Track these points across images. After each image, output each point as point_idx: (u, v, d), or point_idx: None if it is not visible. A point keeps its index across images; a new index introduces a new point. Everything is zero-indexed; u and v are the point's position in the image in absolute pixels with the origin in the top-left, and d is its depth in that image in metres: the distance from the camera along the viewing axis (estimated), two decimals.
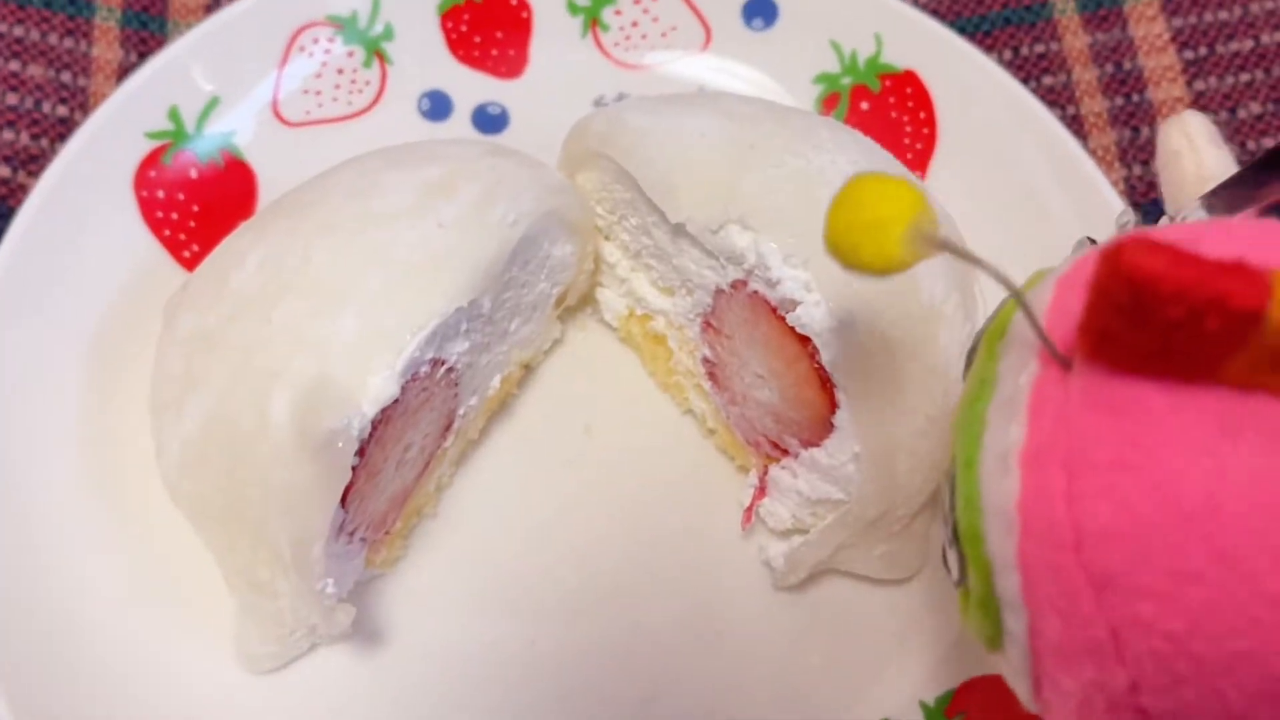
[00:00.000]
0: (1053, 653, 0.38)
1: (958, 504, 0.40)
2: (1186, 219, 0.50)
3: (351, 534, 0.57)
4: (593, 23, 0.75)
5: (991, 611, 0.40)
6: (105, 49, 0.75)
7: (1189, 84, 0.76)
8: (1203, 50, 0.77)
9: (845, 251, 0.39)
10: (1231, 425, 0.34)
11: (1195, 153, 0.52)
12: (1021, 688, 0.41)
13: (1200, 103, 0.75)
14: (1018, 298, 0.38)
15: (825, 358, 0.55)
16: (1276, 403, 0.34)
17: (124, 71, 0.75)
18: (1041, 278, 0.41)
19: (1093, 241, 0.58)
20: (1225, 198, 0.50)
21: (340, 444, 0.52)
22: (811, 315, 0.54)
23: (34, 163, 0.71)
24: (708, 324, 0.62)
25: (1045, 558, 0.36)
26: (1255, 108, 0.75)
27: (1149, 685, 0.35)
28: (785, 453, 0.61)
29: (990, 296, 0.61)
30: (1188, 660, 0.34)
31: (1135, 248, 0.31)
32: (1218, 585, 0.34)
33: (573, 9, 0.75)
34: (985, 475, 0.39)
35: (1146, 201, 0.73)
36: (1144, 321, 0.33)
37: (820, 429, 0.58)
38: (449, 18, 0.75)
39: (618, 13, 0.75)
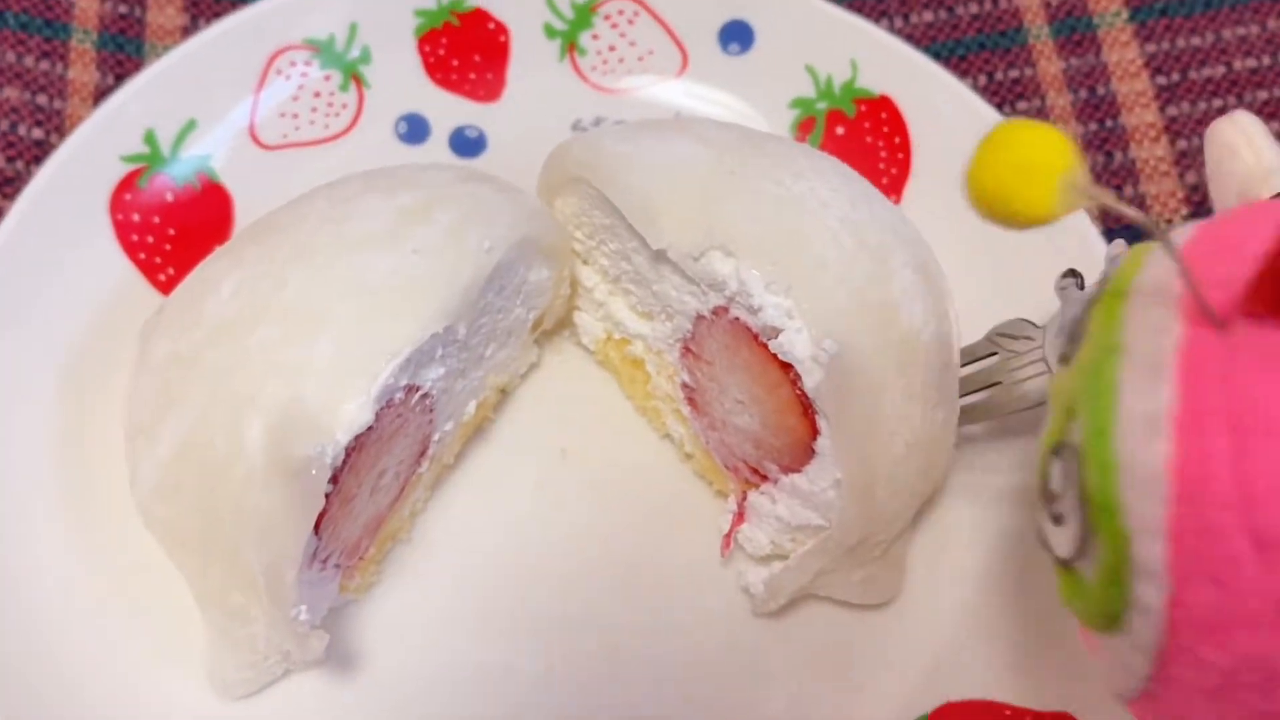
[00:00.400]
0: (1199, 625, 0.37)
1: (1087, 474, 0.39)
2: None
3: (325, 561, 0.57)
4: (570, 47, 0.76)
5: (1120, 585, 0.38)
6: (81, 71, 0.75)
7: (1161, 109, 0.77)
8: (1175, 76, 0.78)
9: (993, 198, 0.39)
10: None
11: (1253, 147, 0.52)
12: (1138, 668, 0.40)
13: (1173, 128, 0.76)
14: (1169, 250, 0.37)
15: (807, 384, 0.55)
16: None
17: (100, 94, 0.75)
18: (1146, 251, 0.41)
19: (1074, 274, 0.59)
20: None
21: (314, 471, 0.52)
22: (793, 342, 0.54)
23: (9, 185, 0.71)
24: (687, 349, 0.62)
25: (1203, 522, 0.36)
26: None
27: None
28: (765, 478, 0.61)
29: (966, 321, 0.62)
30: None
31: None
32: None
33: (550, 33, 0.76)
34: (1126, 441, 0.37)
35: (1119, 227, 0.73)
36: None
37: (801, 455, 0.58)
38: (426, 41, 0.75)
39: (595, 37, 0.76)
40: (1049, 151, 0.38)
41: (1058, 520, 0.41)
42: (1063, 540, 0.41)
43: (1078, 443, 0.40)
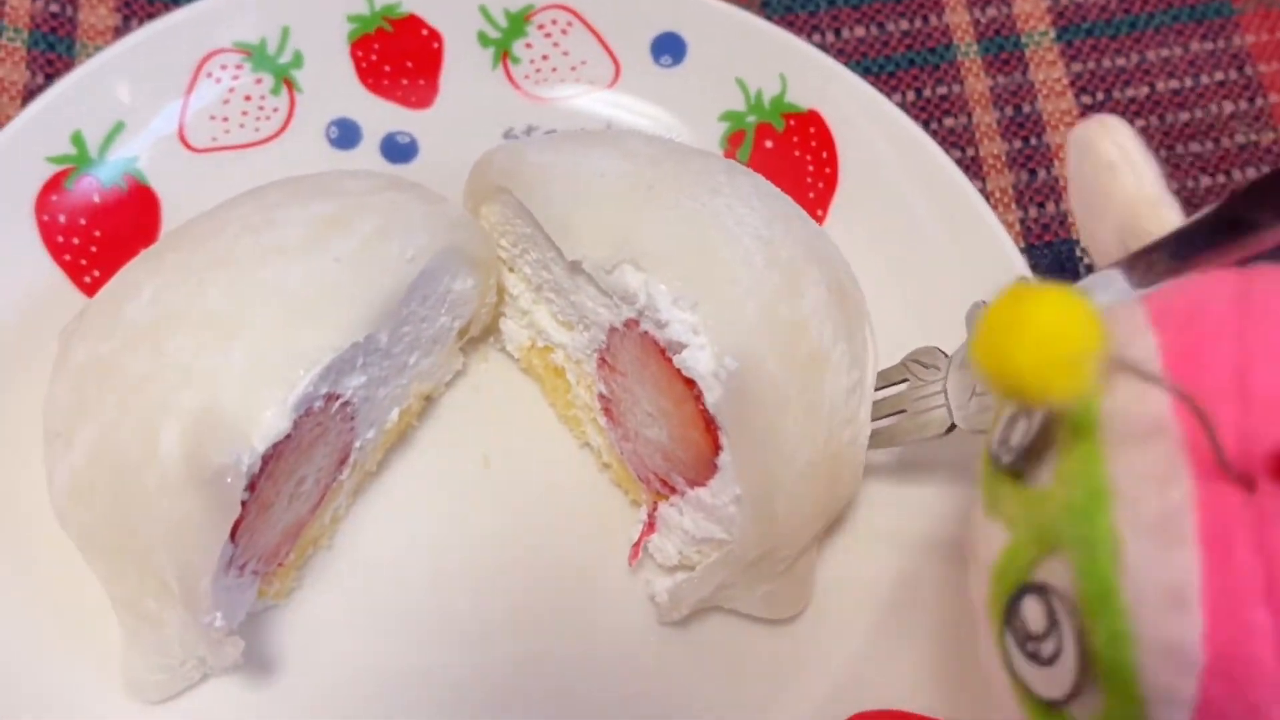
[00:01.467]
0: None
1: (1093, 636, 0.36)
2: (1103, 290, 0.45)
3: (242, 567, 0.57)
4: (504, 55, 0.76)
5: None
6: (11, 70, 0.75)
7: None
8: (1100, 95, 0.79)
9: (1029, 386, 0.34)
10: None
11: (1134, 170, 0.46)
12: None
13: None
14: (1196, 411, 0.34)
15: (709, 400, 0.55)
16: None
17: (30, 93, 0.75)
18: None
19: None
20: (1168, 255, 0.44)
21: (230, 479, 0.52)
22: (696, 359, 0.55)
23: None
24: (603, 360, 0.63)
25: (1245, 702, 0.34)
26: None
27: None
28: (674, 490, 0.62)
29: (885, 341, 0.63)
30: None
31: None
32: None
33: (484, 41, 0.76)
34: (1143, 610, 0.35)
35: (1041, 243, 0.75)
36: None
37: (705, 469, 0.59)
38: (359, 46, 0.75)
39: (528, 45, 0.76)
40: (1087, 332, 0.34)
41: (1040, 660, 0.39)
42: (1052, 684, 0.38)
43: (1067, 591, 0.37)
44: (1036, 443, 0.40)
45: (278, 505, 0.58)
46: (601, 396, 0.64)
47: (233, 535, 0.54)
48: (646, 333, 0.58)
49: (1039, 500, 0.39)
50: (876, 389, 0.62)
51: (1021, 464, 0.41)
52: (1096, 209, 0.47)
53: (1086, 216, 0.48)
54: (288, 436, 0.54)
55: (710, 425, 0.57)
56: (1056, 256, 0.74)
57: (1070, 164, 0.49)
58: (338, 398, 0.58)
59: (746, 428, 0.55)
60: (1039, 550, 0.39)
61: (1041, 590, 0.38)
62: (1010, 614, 0.40)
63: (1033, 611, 0.39)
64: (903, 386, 0.63)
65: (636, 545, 0.64)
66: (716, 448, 0.57)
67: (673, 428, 0.59)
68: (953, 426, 0.60)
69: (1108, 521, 0.35)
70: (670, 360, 0.57)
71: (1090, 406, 0.37)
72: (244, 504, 0.53)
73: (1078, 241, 0.74)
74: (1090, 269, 0.56)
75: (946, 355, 0.62)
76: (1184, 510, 0.34)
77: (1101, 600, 0.36)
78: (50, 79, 0.75)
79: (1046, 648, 0.38)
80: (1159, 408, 0.35)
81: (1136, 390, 0.36)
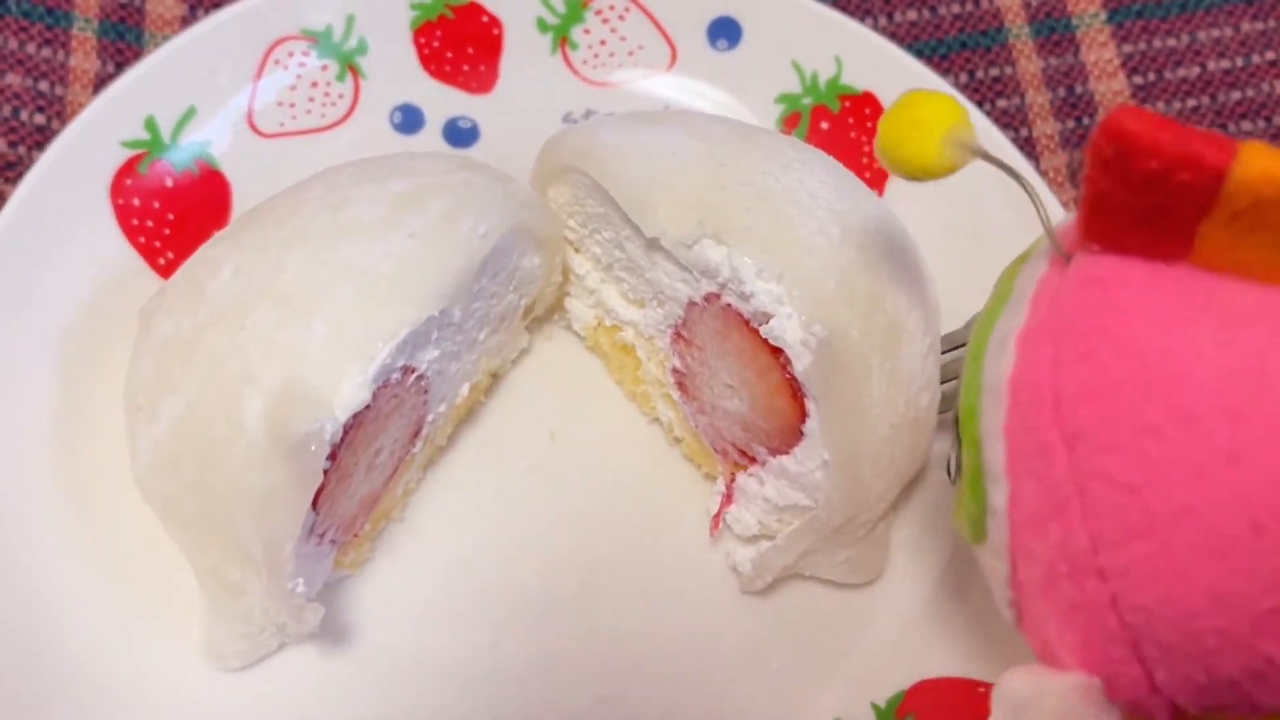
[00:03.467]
0: (1027, 521, 0.40)
1: (961, 392, 0.44)
2: None
3: (322, 535, 0.59)
4: (562, 40, 0.77)
5: (979, 492, 0.42)
6: (83, 59, 0.77)
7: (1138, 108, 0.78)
8: (1151, 76, 0.80)
9: (889, 151, 0.43)
10: (1201, 299, 0.38)
11: None
12: (1001, 574, 0.43)
13: None
14: (1031, 195, 0.43)
15: (797, 368, 0.56)
16: (1241, 284, 0.38)
17: (101, 81, 0.76)
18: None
19: None
20: None
21: (314, 447, 0.53)
22: (784, 327, 0.56)
23: (11, 169, 0.73)
24: (679, 335, 0.64)
25: (1027, 422, 0.40)
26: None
27: (1106, 540, 0.38)
28: (753, 460, 0.63)
29: (945, 309, 0.63)
30: (1141, 513, 0.37)
31: (1121, 112, 0.35)
32: (1174, 440, 0.36)
33: (542, 27, 0.77)
34: (987, 359, 0.42)
35: None
36: (1126, 175, 0.36)
37: (789, 437, 0.60)
38: (421, 33, 0.76)
39: (586, 31, 0.77)
40: (938, 110, 0.43)
41: (954, 443, 0.46)
42: (952, 458, 0.46)
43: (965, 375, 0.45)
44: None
45: (356, 475, 0.59)
46: (675, 371, 0.65)
47: (314, 503, 0.56)
48: (729, 305, 0.59)
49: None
50: (943, 352, 0.64)
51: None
52: None
53: None
54: (367, 407, 0.55)
55: (797, 393, 0.58)
56: None
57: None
58: (413, 371, 0.60)
59: (834, 394, 0.57)
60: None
61: None
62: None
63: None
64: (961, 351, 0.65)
65: (717, 516, 0.65)
66: (803, 415, 0.58)
67: (756, 398, 0.61)
68: None
69: (997, 310, 0.44)
70: (755, 331, 0.58)
71: (1024, 255, 0.45)
72: (326, 473, 0.55)
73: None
74: None
75: None
76: (1030, 284, 0.42)
77: (972, 362, 0.44)
78: (120, 67, 0.76)
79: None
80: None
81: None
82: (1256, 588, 0.36)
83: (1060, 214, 0.68)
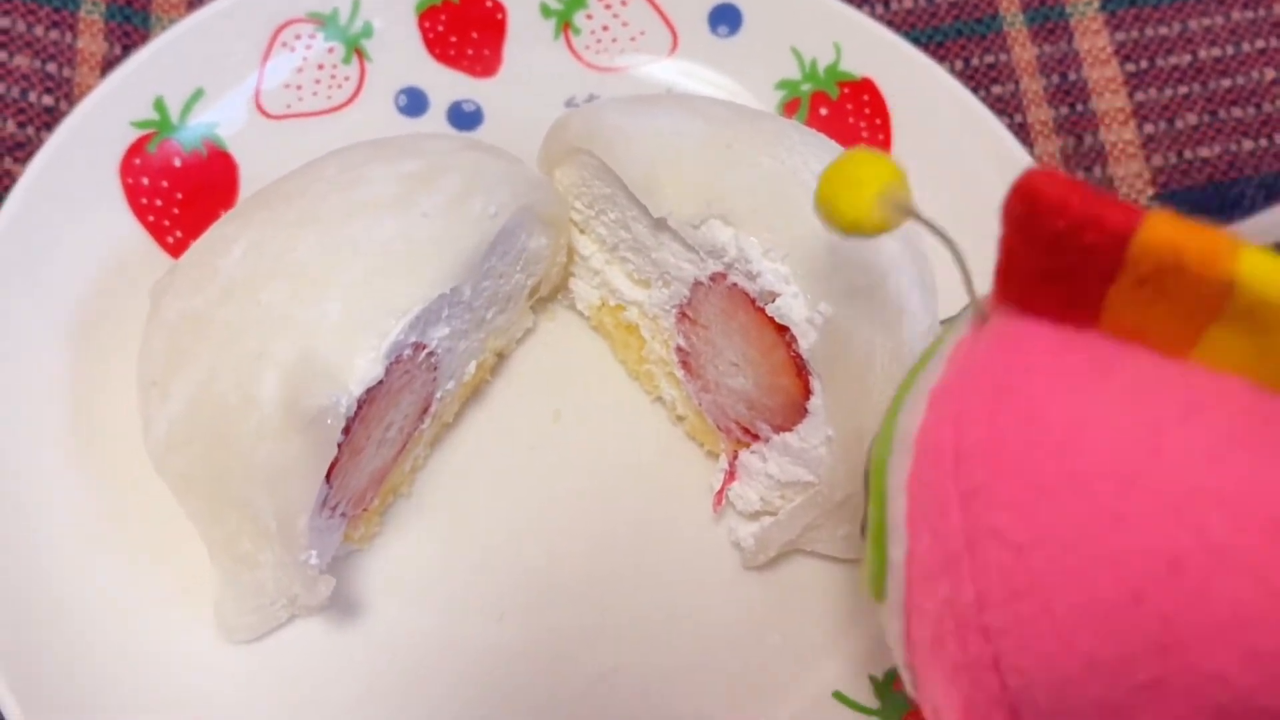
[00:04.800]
0: (921, 577, 0.41)
1: (874, 446, 0.45)
2: None
3: (334, 509, 0.60)
4: (565, 26, 0.78)
5: (881, 547, 0.43)
6: (90, 41, 0.77)
7: (1130, 95, 0.80)
8: (1144, 63, 0.81)
9: (825, 205, 0.44)
10: (1104, 366, 0.38)
11: None
12: (897, 633, 0.44)
13: (1140, 113, 0.79)
14: (955, 253, 0.42)
15: (803, 346, 0.58)
16: (1146, 353, 0.38)
17: (108, 64, 0.77)
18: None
19: None
20: None
21: (329, 421, 0.54)
22: (790, 306, 0.57)
23: (20, 150, 0.73)
24: (684, 314, 0.65)
25: (928, 476, 0.40)
26: (1192, 119, 0.79)
27: (992, 598, 0.38)
28: (756, 438, 0.64)
29: (943, 293, 0.65)
30: (1026, 573, 0.37)
31: (1035, 174, 0.36)
32: (1062, 502, 0.37)
33: (545, 12, 0.78)
34: (901, 414, 0.43)
35: None
36: (1035, 233, 0.37)
37: (794, 414, 0.61)
38: (426, 17, 0.77)
39: (589, 17, 0.78)
40: (872, 170, 0.44)
41: (865, 502, 0.46)
42: (861, 511, 0.46)
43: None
44: None
45: (367, 450, 0.60)
46: (680, 350, 0.66)
47: (328, 476, 0.57)
48: (735, 285, 0.60)
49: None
50: None
51: None
52: None
53: None
54: (380, 382, 0.56)
55: (801, 371, 0.59)
56: None
57: None
58: (424, 347, 0.61)
59: (839, 371, 0.58)
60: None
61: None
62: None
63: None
64: None
65: (720, 492, 0.67)
66: (807, 392, 0.60)
67: (760, 376, 0.62)
68: None
69: (919, 369, 0.45)
70: (760, 310, 0.59)
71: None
72: (339, 446, 0.56)
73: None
74: None
75: None
76: (950, 344, 0.43)
77: (889, 417, 0.44)
78: (127, 50, 0.77)
79: None
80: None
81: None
82: (1133, 658, 0.36)
83: None
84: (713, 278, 0.61)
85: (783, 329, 0.58)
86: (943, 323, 0.47)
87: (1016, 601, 0.37)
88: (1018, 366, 0.39)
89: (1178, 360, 0.38)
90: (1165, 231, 0.35)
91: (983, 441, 0.39)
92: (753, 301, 0.60)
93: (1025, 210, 0.36)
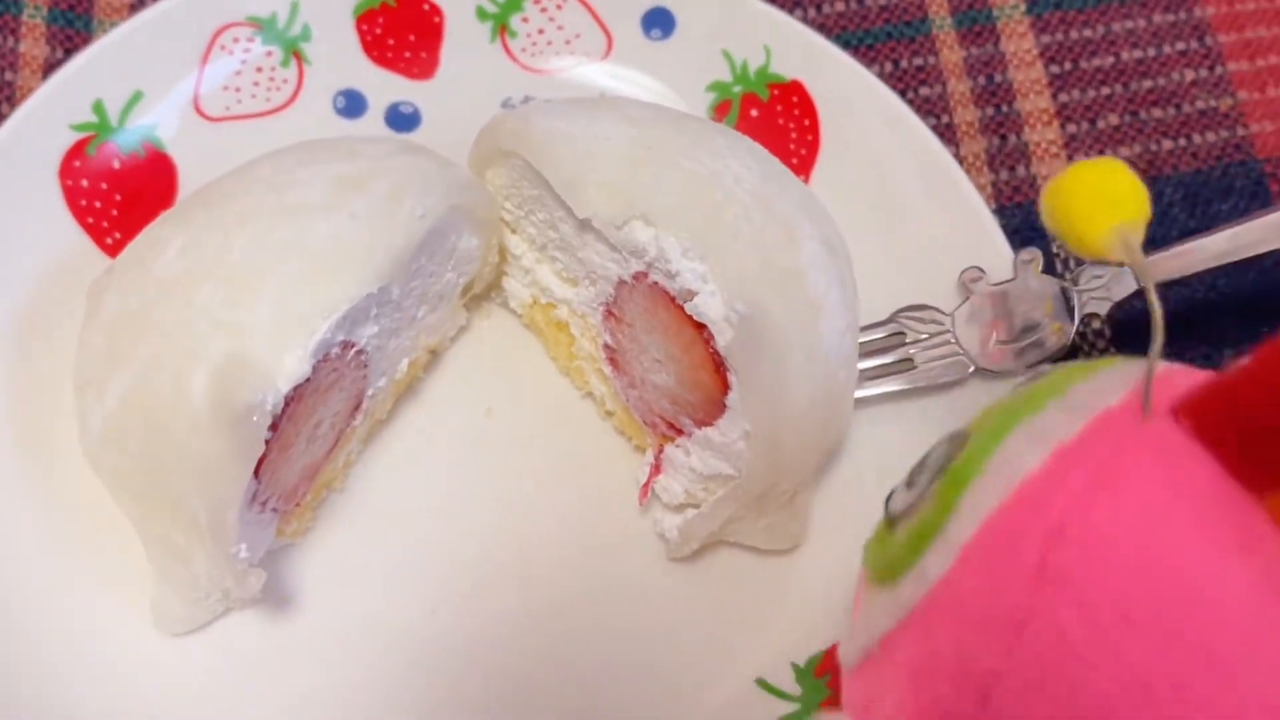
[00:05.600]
0: (951, 602, 0.40)
1: (958, 453, 0.43)
2: None
3: (264, 503, 0.61)
4: (501, 29, 0.80)
5: (919, 547, 0.42)
6: (32, 45, 0.78)
7: (1054, 96, 0.82)
8: (1068, 65, 0.83)
9: (1059, 219, 0.46)
10: (1249, 544, 0.36)
11: None
12: (878, 625, 0.44)
13: (1064, 113, 0.81)
14: (1154, 331, 0.41)
15: (719, 343, 0.59)
16: None
17: (50, 67, 0.78)
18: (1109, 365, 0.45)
19: (982, 272, 0.68)
20: None
21: (255, 417, 0.56)
22: (708, 304, 0.59)
23: None
24: (609, 312, 0.67)
25: (1017, 529, 0.38)
26: (1114, 119, 0.81)
27: (1014, 684, 0.37)
28: (680, 432, 0.66)
29: (865, 294, 0.66)
30: (1068, 692, 0.36)
31: None
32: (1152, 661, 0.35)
33: (482, 15, 0.80)
34: (1010, 442, 0.41)
35: (1011, 204, 0.79)
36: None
37: (713, 409, 0.63)
38: (364, 20, 0.79)
39: (525, 20, 0.80)
40: (1119, 198, 0.45)
41: (909, 484, 0.45)
42: (902, 499, 0.45)
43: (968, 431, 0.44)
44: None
45: (297, 446, 0.62)
46: (607, 347, 0.68)
47: (256, 472, 0.58)
48: (656, 283, 0.62)
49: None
50: (866, 337, 0.69)
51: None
52: None
53: None
54: (307, 380, 0.58)
55: (720, 367, 0.61)
56: (1026, 216, 0.78)
57: None
58: (353, 345, 0.62)
59: (755, 368, 0.59)
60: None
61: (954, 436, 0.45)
62: (920, 463, 0.46)
63: (938, 451, 0.45)
64: (882, 332, 0.70)
65: (645, 485, 0.68)
66: (725, 388, 0.61)
67: (681, 372, 0.63)
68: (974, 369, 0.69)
69: (1042, 401, 0.42)
70: (680, 308, 0.61)
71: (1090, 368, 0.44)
72: (267, 442, 0.57)
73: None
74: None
75: (942, 311, 0.70)
76: (1094, 407, 0.41)
77: (991, 436, 0.42)
78: (69, 53, 0.78)
79: (921, 474, 0.45)
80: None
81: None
82: None
83: (976, 198, 0.72)
84: (635, 276, 0.63)
85: (701, 326, 0.60)
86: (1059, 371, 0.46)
87: (1040, 703, 0.37)
88: (1169, 495, 0.37)
89: None
90: None
91: (1094, 543, 0.37)
92: (673, 300, 0.61)
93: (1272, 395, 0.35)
